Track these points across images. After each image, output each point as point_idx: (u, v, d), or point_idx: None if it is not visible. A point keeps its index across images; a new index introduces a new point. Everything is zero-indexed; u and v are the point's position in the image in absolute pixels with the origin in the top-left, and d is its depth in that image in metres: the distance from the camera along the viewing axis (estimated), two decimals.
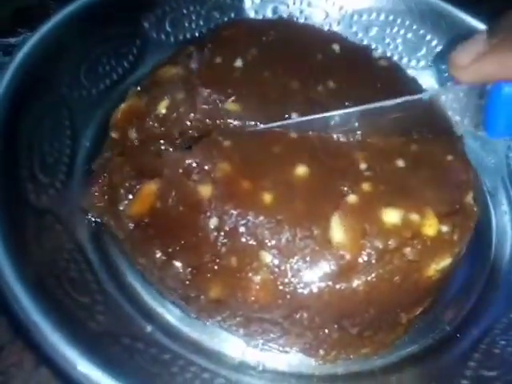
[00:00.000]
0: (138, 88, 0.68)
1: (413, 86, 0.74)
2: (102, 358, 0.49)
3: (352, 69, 0.71)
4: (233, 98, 0.62)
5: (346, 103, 0.64)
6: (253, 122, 0.62)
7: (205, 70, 0.65)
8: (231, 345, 0.60)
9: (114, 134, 0.65)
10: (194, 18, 0.84)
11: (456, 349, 0.61)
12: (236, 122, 0.62)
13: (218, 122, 0.62)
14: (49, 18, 0.68)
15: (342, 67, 0.70)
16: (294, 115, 0.63)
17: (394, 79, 0.73)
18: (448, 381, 0.59)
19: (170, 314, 0.61)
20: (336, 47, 0.73)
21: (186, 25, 0.84)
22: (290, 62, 0.68)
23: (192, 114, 0.62)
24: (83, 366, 0.48)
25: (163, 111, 0.63)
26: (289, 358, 0.60)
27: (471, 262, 0.68)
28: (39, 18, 0.65)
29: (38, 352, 0.59)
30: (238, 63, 0.66)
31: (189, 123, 0.62)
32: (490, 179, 0.77)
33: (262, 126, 0.61)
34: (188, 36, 0.85)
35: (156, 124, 0.63)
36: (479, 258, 0.71)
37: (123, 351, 0.53)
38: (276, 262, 0.53)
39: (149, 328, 0.58)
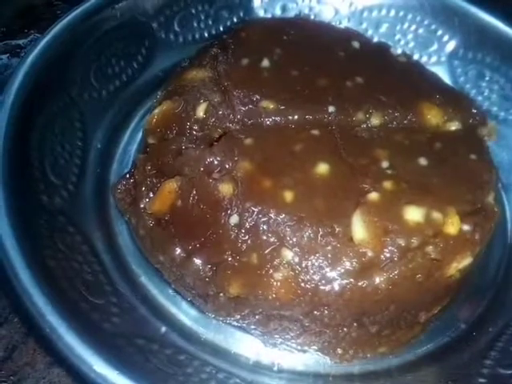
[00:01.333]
0: (165, 92, 0.68)
1: (434, 79, 0.74)
2: (116, 359, 0.49)
3: (376, 64, 0.71)
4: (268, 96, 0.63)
5: (379, 97, 0.65)
6: (291, 117, 0.62)
7: (234, 71, 0.66)
8: (246, 345, 0.60)
9: (151, 140, 0.65)
10: (202, 17, 0.84)
11: (472, 347, 0.61)
12: (277, 119, 0.62)
13: (258, 120, 0.62)
14: (56, 18, 0.68)
15: (365, 63, 0.71)
16: (331, 108, 0.63)
17: (415, 73, 0.73)
18: (465, 379, 0.58)
19: (185, 315, 0.61)
20: (356, 44, 0.73)
21: (195, 25, 0.84)
22: (315, 60, 0.69)
23: (232, 116, 0.62)
24: (99, 366, 0.48)
25: (201, 114, 0.62)
26: (305, 358, 0.60)
27: (487, 259, 0.68)
28: (46, 18, 0.65)
29: (52, 353, 0.59)
30: (265, 63, 0.66)
31: (230, 125, 0.62)
32: (505, 175, 0.76)
33: None
34: (197, 36, 0.84)
35: (196, 127, 0.62)
36: (495, 256, 0.70)
37: (138, 352, 0.53)
38: (297, 259, 0.53)
39: (163, 329, 0.58)
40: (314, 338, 0.57)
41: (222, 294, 0.55)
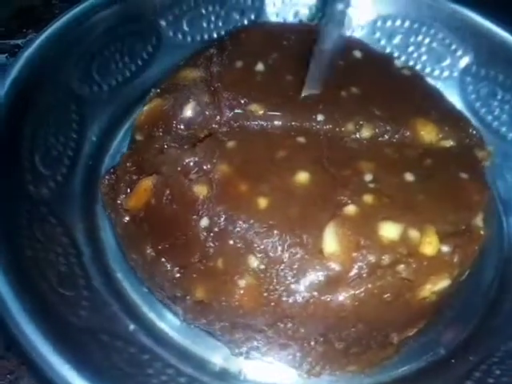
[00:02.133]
0: (158, 90, 0.68)
1: (436, 96, 0.71)
2: (74, 354, 0.49)
3: (375, 76, 0.69)
4: (257, 100, 0.62)
5: (372, 109, 0.63)
6: (277, 122, 0.61)
7: (227, 73, 0.65)
8: (214, 351, 0.59)
9: (138, 137, 0.65)
10: (212, 18, 0.84)
11: (449, 375, 0.58)
12: (263, 123, 0.61)
13: (245, 123, 0.61)
14: (55, 18, 0.68)
15: (364, 74, 0.69)
16: (319, 117, 0.62)
17: (416, 88, 0.71)
18: None
19: (156, 315, 0.60)
20: (357, 54, 0.72)
21: (205, 25, 0.83)
22: None
23: (218, 118, 0.62)
24: (53, 359, 0.47)
25: (189, 114, 0.62)
26: (272, 370, 0.58)
27: (476, 283, 0.65)
28: (45, 18, 0.66)
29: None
30: (260, 67, 0.66)
31: (215, 126, 0.61)
32: (507, 197, 0.73)
33: None
34: (206, 37, 0.84)
35: (182, 126, 0.62)
36: (486, 278, 0.67)
37: (100, 348, 0.53)
38: (263, 267, 0.52)
39: (132, 327, 0.58)
40: (279, 349, 0.55)
41: (188, 297, 0.54)
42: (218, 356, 0.58)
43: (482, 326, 0.63)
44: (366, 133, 0.62)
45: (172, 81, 0.66)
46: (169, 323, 0.60)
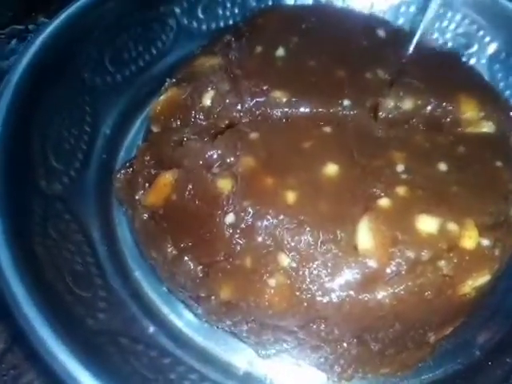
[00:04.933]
0: (174, 79, 0.64)
1: (476, 75, 0.69)
2: (92, 358, 0.46)
3: (400, 55, 0.65)
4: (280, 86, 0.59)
5: (411, 81, 0.60)
6: (302, 109, 0.58)
7: (246, 60, 0.62)
8: (238, 354, 0.56)
9: (154, 128, 0.62)
10: (228, 5, 0.80)
11: (486, 378, 0.55)
12: (287, 111, 0.58)
13: (267, 111, 0.58)
14: (64, 2, 0.65)
15: (389, 54, 0.65)
16: (346, 102, 0.59)
17: (454, 65, 0.68)
18: None
19: (177, 316, 0.58)
20: (381, 32, 0.68)
21: (220, 12, 0.80)
22: (334, 49, 0.64)
23: (239, 105, 0.59)
24: (70, 364, 0.45)
25: (208, 103, 0.59)
26: (300, 374, 0.56)
27: (510, 282, 0.62)
28: (54, 2, 0.63)
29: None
30: (280, 52, 0.62)
31: (236, 114, 0.58)
32: None
33: None
34: (221, 24, 0.80)
35: (201, 116, 0.59)
36: None
37: (119, 352, 0.50)
38: (294, 265, 0.49)
39: (151, 329, 0.55)
40: (309, 352, 0.52)
41: (213, 298, 0.51)
42: (242, 359, 0.56)
43: None
44: (407, 105, 0.59)
45: (189, 69, 0.63)
46: (190, 324, 0.57)
